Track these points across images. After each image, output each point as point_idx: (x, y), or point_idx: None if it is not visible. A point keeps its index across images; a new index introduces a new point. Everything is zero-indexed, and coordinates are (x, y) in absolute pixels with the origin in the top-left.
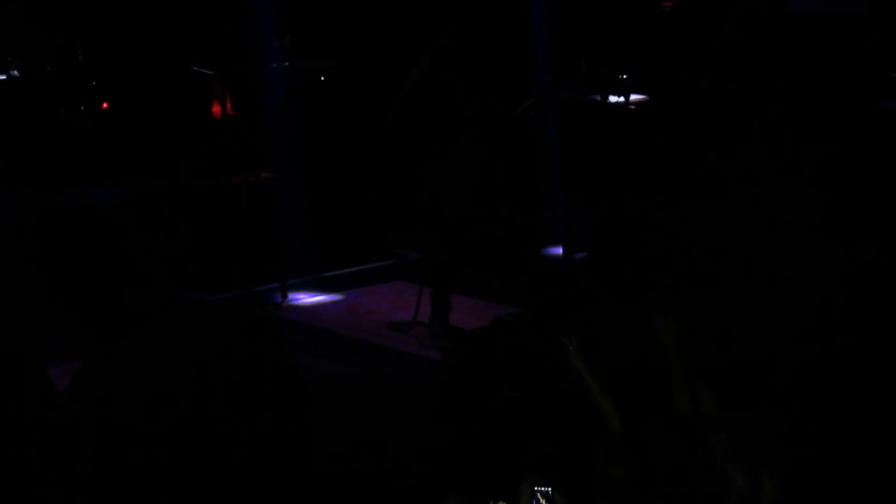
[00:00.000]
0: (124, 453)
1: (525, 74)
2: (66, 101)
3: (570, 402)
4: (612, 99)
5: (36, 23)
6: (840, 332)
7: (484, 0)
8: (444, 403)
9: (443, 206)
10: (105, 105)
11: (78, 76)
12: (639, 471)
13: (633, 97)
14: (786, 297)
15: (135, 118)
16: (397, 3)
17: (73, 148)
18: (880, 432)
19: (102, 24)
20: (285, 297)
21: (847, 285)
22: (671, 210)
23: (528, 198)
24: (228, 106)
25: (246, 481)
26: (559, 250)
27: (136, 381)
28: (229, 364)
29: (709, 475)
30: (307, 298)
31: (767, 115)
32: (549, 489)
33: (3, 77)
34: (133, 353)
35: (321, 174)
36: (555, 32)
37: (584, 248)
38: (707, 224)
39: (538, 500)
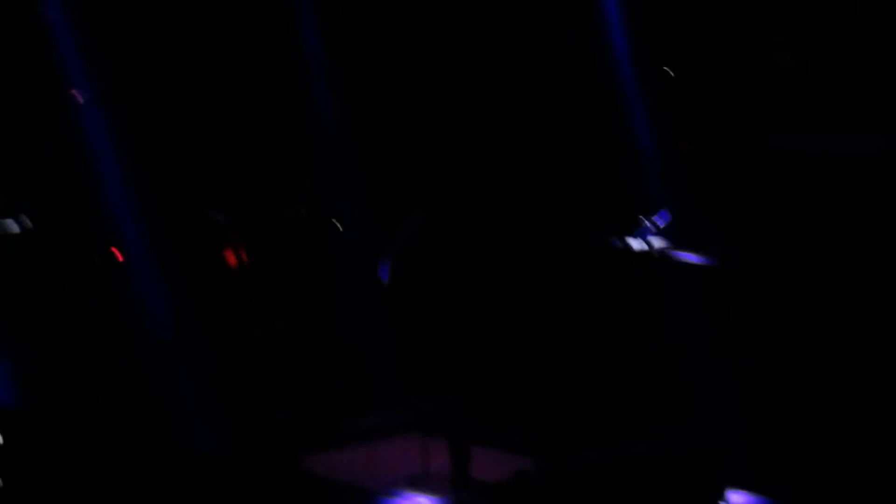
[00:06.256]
0: None
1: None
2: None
3: None
4: (635, 245)
5: (46, 169)
6: None
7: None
8: None
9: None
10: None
11: (90, 224)
12: None
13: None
14: None
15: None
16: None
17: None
18: None
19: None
20: (302, 448)
21: None
22: None
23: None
24: (243, 254)
25: None
26: None
27: None
28: None
29: None
30: (323, 450)
31: None
32: None
33: (18, 229)
34: None
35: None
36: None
37: None
38: None
39: None
